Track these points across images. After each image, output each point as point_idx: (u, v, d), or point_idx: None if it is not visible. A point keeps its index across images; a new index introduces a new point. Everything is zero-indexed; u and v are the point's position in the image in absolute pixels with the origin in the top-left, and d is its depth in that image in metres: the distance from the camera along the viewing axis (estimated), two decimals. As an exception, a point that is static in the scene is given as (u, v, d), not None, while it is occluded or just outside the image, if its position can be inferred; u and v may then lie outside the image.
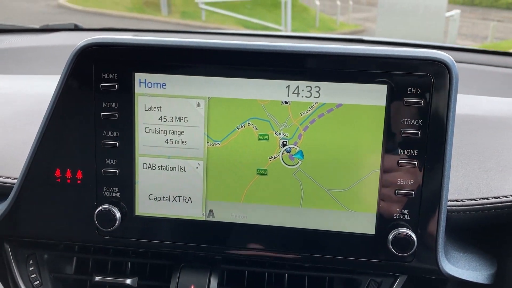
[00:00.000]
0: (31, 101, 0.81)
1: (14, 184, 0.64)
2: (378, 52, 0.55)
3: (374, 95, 0.56)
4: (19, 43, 1.32)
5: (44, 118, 0.61)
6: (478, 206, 0.60)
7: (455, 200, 0.61)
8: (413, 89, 0.55)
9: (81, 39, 0.59)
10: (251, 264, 0.66)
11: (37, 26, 1.48)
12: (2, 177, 0.67)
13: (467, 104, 0.74)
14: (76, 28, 1.44)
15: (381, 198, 0.58)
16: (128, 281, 0.65)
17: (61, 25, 1.45)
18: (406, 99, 0.55)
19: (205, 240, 0.61)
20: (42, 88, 0.86)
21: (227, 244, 0.61)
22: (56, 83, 0.60)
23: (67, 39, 1.32)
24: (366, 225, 0.59)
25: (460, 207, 0.60)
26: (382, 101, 0.56)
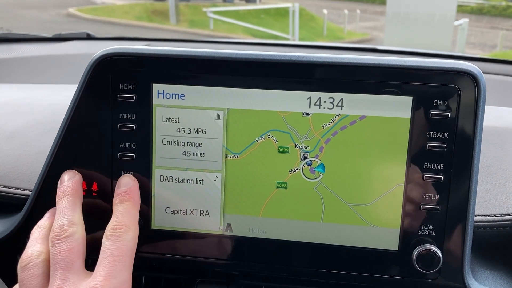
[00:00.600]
0: (45, 111, 0.80)
1: (28, 195, 0.63)
2: (403, 63, 0.53)
3: (399, 107, 0.54)
4: (31, 52, 1.32)
5: (59, 129, 0.60)
6: (506, 222, 0.58)
7: (482, 216, 0.59)
8: (439, 101, 0.54)
9: (93, 48, 0.58)
10: (269, 279, 0.65)
11: (49, 35, 1.48)
12: (16, 188, 0.66)
13: (493, 116, 0.72)
14: (89, 37, 1.44)
15: (405, 213, 0.56)
16: (143, 296, 0.64)
17: (74, 34, 1.46)
18: (432, 111, 0.54)
19: (223, 255, 0.60)
20: (56, 98, 0.86)
21: (245, 259, 0.59)
22: (70, 93, 0.59)
23: (79, 48, 1.32)
24: (389, 241, 0.57)
25: (487, 223, 0.59)
26: (407, 113, 0.54)
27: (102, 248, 0.50)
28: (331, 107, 0.56)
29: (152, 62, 0.57)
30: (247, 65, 0.56)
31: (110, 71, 0.58)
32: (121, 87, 0.58)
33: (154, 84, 0.57)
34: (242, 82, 0.56)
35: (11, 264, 0.67)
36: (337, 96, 0.55)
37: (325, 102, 0.56)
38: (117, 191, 0.57)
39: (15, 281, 0.67)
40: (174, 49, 0.57)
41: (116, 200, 0.56)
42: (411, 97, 0.54)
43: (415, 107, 0.54)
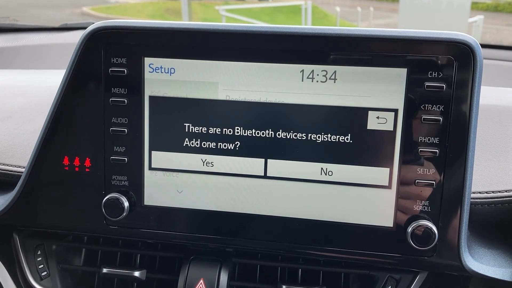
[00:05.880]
0: (44, 93, 0.81)
1: (22, 173, 0.63)
2: (397, 34, 0.52)
3: (393, 79, 0.53)
4: (38, 40, 1.33)
5: (52, 104, 0.60)
6: (504, 199, 0.57)
7: (479, 192, 0.57)
8: (434, 73, 0.52)
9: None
10: (264, 258, 0.64)
11: (56, 26, 1.49)
12: (11, 165, 0.66)
13: (492, 95, 0.70)
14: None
15: (400, 188, 0.54)
16: (137, 274, 0.63)
17: (80, 24, 1.46)
18: (427, 83, 0.52)
19: (214, 231, 0.59)
20: (54, 81, 0.86)
21: (237, 235, 0.59)
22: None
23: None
24: (383, 217, 0.56)
25: (484, 200, 0.57)
26: (401, 86, 0.53)
27: None
28: (324, 80, 0.55)
29: (143, 35, 0.57)
30: (239, 37, 0.55)
31: (102, 45, 0.57)
32: (113, 61, 0.57)
33: (145, 58, 0.57)
34: (233, 55, 0.55)
35: (7, 241, 0.67)
36: (330, 68, 0.54)
37: (318, 75, 0.55)
38: None
39: (11, 258, 0.67)
40: (165, 22, 0.56)
41: None
42: (406, 68, 0.53)
43: (409, 79, 0.53)
